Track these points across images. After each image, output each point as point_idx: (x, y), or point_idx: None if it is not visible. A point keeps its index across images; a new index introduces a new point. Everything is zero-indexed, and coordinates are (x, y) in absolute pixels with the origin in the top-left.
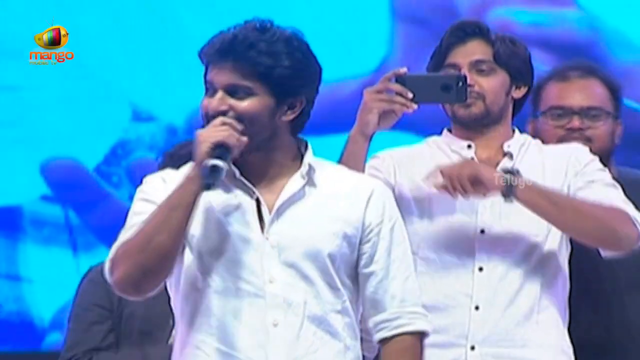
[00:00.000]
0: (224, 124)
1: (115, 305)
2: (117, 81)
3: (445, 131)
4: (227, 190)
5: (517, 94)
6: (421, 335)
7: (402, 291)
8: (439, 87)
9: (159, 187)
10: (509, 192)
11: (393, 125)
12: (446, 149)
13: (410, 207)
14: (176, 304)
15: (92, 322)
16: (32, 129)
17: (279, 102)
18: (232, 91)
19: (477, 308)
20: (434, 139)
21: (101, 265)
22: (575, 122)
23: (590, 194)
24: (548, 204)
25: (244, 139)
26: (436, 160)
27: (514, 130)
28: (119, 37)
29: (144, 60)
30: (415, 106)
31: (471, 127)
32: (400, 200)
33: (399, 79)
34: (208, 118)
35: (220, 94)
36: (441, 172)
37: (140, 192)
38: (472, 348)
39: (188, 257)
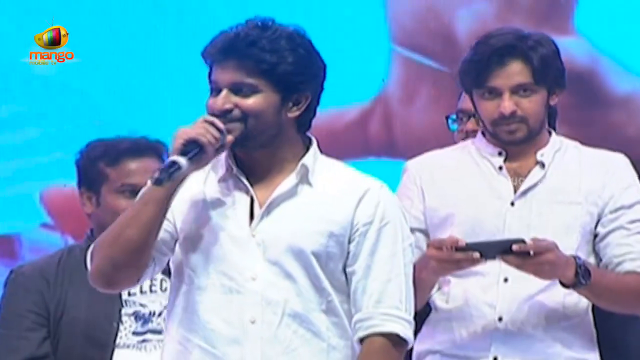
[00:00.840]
0: (205, 121)
1: (53, 312)
2: (116, 111)
3: (479, 134)
4: (224, 186)
5: (554, 100)
6: (396, 337)
7: (380, 292)
8: (499, 249)
9: None
10: (575, 286)
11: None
12: (475, 155)
13: (440, 219)
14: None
15: (27, 329)
16: (32, 157)
17: (284, 98)
18: (237, 89)
19: (500, 319)
20: (466, 143)
21: (30, 269)
22: None
23: (624, 242)
24: (591, 295)
25: (230, 137)
26: (462, 167)
27: (550, 133)
28: (120, 67)
29: (145, 90)
30: (485, 261)
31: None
32: (431, 219)
33: (460, 249)
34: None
35: (225, 92)
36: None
37: None
38: (495, 359)
39: (177, 252)
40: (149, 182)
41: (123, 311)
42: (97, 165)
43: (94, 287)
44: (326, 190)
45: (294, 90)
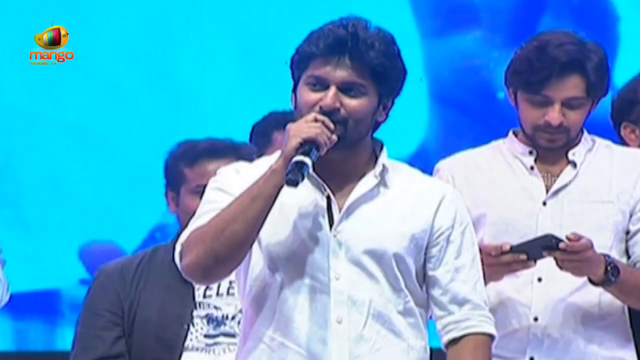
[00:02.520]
0: (315, 120)
1: (127, 312)
2: (155, 165)
3: (510, 134)
4: (300, 186)
5: (594, 108)
6: (490, 338)
7: (472, 294)
8: (539, 248)
9: (233, 178)
10: (604, 284)
11: None
12: (507, 154)
13: (472, 219)
14: (242, 297)
15: (102, 327)
16: (71, 213)
17: (380, 102)
18: (347, 88)
19: (535, 319)
20: (497, 142)
21: (112, 268)
22: None
23: None
24: (620, 294)
25: (334, 137)
26: (494, 167)
27: (582, 132)
28: (155, 121)
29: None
30: (533, 263)
31: None
32: None
33: (505, 252)
34: (309, 111)
35: (334, 89)
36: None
37: (214, 182)
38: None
39: (256, 250)
40: (258, 178)
41: (195, 313)
42: (178, 165)
43: (188, 279)
44: (403, 192)
45: (392, 95)
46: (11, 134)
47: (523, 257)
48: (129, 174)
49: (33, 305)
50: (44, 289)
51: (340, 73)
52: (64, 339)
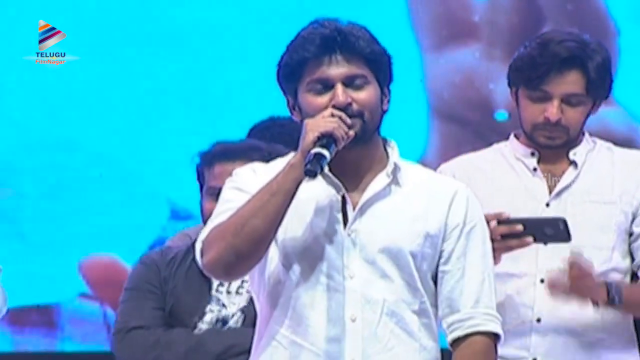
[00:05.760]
0: (332, 115)
1: (162, 285)
2: (155, 180)
3: (512, 136)
4: (315, 184)
5: (595, 111)
6: (494, 337)
7: (478, 293)
8: (542, 228)
9: (250, 177)
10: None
11: None
12: (509, 156)
13: None
14: (257, 295)
15: (144, 298)
16: (71, 227)
17: (381, 90)
18: (350, 82)
19: (538, 320)
20: (499, 145)
21: (155, 251)
22: None
23: None
24: (624, 311)
25: (351, 132)
26: (496, 169)
27: (583, 134)
28: (158, 137)
29: (183, 159)
30: (531, 240)
31: None
32: None
33: (502, 222)
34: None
35: (340, 86)
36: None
37: (231, 182)
38: None
39: (272, 247)
40: (277, 174)
41: (208, 308)
42: (201, 166)
43: (210, 276)
44: (415, 191)
45: (387, 82)
46: (11, 147)
47: (519, 227)
48: (129, 187)
49: (32, 319)
50: (43, 303)
51: (339, 69)
52: (64, 353)
